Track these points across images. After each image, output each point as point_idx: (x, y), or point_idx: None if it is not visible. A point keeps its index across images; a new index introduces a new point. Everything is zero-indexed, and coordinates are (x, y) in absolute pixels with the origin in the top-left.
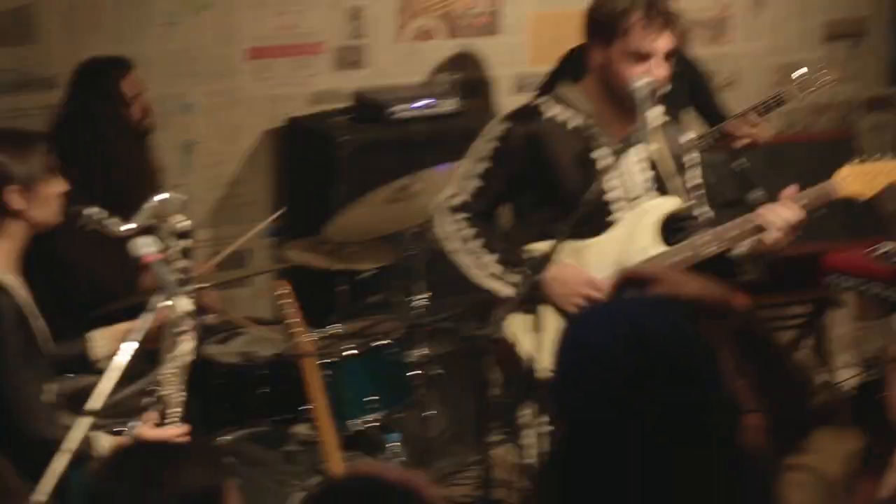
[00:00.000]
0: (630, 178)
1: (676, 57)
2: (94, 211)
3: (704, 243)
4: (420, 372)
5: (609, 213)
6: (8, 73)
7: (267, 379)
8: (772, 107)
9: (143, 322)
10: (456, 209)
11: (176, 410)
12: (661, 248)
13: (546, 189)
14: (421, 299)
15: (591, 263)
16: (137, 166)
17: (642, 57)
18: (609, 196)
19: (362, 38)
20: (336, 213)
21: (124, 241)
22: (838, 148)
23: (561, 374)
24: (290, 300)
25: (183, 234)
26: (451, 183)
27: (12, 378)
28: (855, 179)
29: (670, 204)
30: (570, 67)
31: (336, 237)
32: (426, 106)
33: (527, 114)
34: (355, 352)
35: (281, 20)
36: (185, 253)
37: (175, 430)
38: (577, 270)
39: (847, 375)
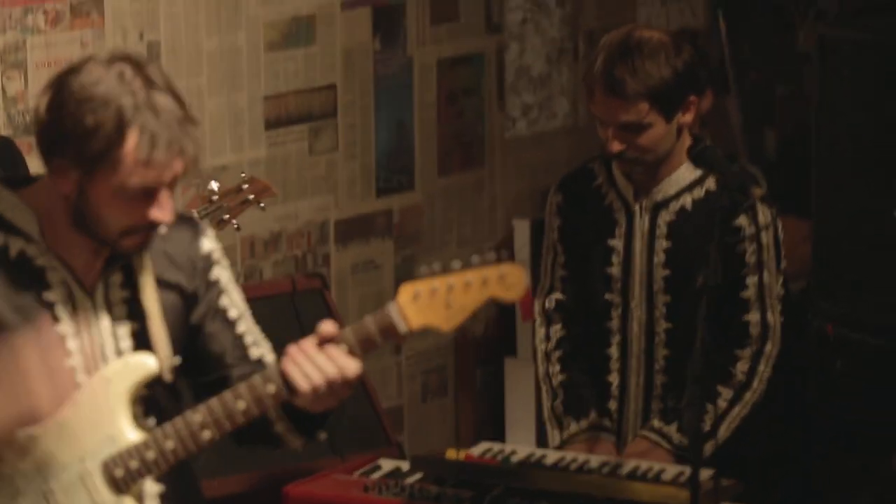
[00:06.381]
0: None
1: None
2: None
3: (200, 424)
4: None
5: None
6: None
7: None
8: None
9: None
10: None
11: None
12: (138, 434)
13: None
14: None
15: (43, 463)
16: None
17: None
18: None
19: None
20: None
21: None
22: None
23: None
24: None
25: None
26: None
27: None
28: (420, 305)
29: (144, 367)
30: None
31: None
32: None
33: None
34: None
35: None
36: None
37: None
38: None
39: None
